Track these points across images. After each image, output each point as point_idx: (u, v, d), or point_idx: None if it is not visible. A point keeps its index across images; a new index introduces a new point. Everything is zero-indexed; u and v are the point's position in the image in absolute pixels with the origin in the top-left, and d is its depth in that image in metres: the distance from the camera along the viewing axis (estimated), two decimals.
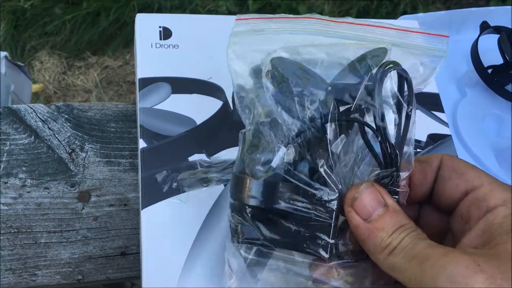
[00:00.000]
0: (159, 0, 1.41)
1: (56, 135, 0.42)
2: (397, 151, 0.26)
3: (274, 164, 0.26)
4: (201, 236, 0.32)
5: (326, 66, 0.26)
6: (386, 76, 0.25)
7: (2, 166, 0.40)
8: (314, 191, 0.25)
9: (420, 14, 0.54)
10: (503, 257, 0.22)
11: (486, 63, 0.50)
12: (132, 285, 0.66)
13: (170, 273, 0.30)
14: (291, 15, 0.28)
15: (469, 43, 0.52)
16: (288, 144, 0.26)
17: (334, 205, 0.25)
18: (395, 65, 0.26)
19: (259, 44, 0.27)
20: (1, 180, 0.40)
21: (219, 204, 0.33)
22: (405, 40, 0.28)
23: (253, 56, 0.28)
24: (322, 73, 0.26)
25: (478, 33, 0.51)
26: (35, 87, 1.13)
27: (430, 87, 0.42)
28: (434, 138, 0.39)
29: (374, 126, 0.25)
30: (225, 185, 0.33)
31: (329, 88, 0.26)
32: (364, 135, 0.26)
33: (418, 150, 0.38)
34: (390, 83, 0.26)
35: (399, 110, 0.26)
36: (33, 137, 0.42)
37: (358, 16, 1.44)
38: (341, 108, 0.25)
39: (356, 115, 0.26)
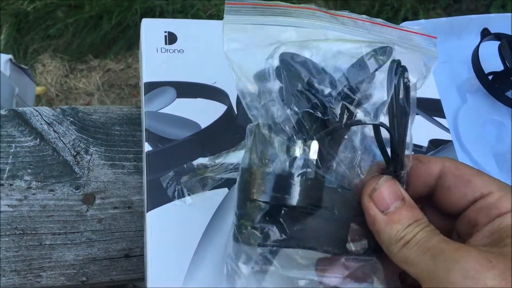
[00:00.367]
0: (161, 4, 1.42)
1: (61, 138, 0.43)
2: (403, 152, 0.26)
3: (300, 162, 0.25)
4: (206, 238, 0.32)
5: (332, 62, 0.26)
6: (399, 75, 0.26)
7: (7, 168, 0.41)
8: (338, 188, 0.25)
9: (422, 21, 0.55)
10: None
11: (486, 70, 0.51)
12: (134, 287, 0.66)
13: (175, 275, 0.31)
14: (287, 4, 0.27)
15: (469, 49, 0.52)
16: (310, 140, 0.25)
17: (353, 200, 0.26)
18: (404, 69, 0.26)
19: (260, 40, 0.27)
20: (7, 182, 0.40)
21: (223, 206, 0.33)
22: (406, 39, 0.28)
23: (255, 54, 0.27)
24: (329, 69, 0.26)
25: (479, 39, 0.52)
26: (38, 89, 1.14)
27: (432, 93, 0.43)
28: (436, 144, 0.39)
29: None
30: (229, 189, 0.34)
31: (340, 86, 0.26)
32: (379, 137, 0.26)
33: None
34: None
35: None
36: (38, 140, 0.42)
37: None
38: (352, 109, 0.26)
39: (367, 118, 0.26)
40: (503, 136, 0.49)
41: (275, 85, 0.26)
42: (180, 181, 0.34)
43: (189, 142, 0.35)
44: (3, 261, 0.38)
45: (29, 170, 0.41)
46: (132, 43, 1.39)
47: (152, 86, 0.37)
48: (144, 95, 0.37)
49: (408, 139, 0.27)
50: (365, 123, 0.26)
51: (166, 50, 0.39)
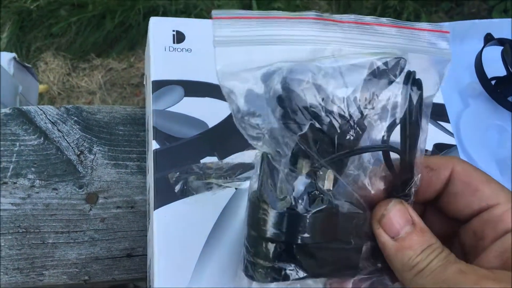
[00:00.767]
0: (164, 4, 1.42)
1: (65, 137, 0.43)
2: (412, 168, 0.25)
3: (315, 195, 0.24)
4: (212, 237, 0.32)
5: (340, 79, 0.25)
6: (413, 92, 0.24)
7: (11, 167, 0.41)
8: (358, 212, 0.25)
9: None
10: None
11: (489, 75, 0.51)
12: (135, 287, 0.66)
13: (181, 274, 0.31)
14: (284, 14, 0.25)
15: (472, 54, 0.53)
16: (323, 168, 0.24)
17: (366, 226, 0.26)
18: (419, 83, 0.25)
19: (255, 59, 0.24)
20: (11, 180, 0.40)
21: (230, 205, 0.33)
22: (414, 40, 0.26)
23: (248, 76, 0.24)
24: (338, 86, 0.24)
25: (481, 44, 0.52)
26: (40, 87, 1.14)
27: (436, 98, 0.43)
28: (440, 148, 0.40)
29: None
30: (236, 188, 0.34)
31: (350, 105, 0.24)
32: (389, 161, 0.25)
33: None
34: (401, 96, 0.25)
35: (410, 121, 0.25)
36: (42, 139, 0.42)
37: None
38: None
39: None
40: (505, 141, 0.49)
41: (276, 111, 0.24)
42: (188, 180, 0.34)
43: (196, 141, 0.35)
44: (6, 259, 0.38)
45: (32, 169, 0.41)
46: (134, 42, 1.40)
47: (160, 85, 0.37)
48: (152, 93, 0.37)
49: (418, 155, 0.25)
50: (374, 148, 0.25)
51: (174, 49, 0.39)
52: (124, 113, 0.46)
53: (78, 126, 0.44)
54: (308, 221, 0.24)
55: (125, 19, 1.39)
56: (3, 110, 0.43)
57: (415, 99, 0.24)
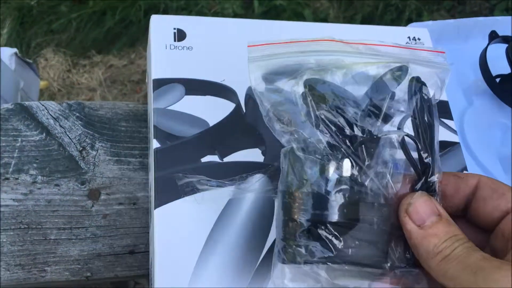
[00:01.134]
0: (165, 1, 1.42)
1: (67, 133, 0.43)
2: (430, 160, 0.27)
3: (335, 180, 0.26)
4: (213, 236, 0.32)
5: (353, 84, 0.28)
6: (418, 90, 0.28)
7: (13, 162, 0.41)
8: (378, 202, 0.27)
9: (429, 22, 0.55)
10: None
11: (493, 72, 0.51)
12: (135, 284, 0.66)
13: (181, 273, 0.31)
14: (305, 39, 0.30)
15: (476, 51, 0.52)
16: (342, 157, 0.26)
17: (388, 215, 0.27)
18: (422, 83, 0.28)
19: (281, 67, 0.29)
20: (12, 176, 0.40)
21: (231, 204, 0.33)
22: (418, 56, 0.30)
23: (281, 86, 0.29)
24: (350, 91, 0.28)
25: (486, 42, 0.52)
26: (40, 84, 1.14)
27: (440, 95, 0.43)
28: (444, 145, 0.39)
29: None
30: (237, 187, 0.34)
31: (364, 105, 0.27)
32: (405, 147, 0.27)
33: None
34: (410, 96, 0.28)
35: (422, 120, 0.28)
36: (44, 134, 0.42)
37: (363, 22, 1.44)
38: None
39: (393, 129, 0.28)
40: (509, 139, 0.49)
41: (303, 109, 0.28)
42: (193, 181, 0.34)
43: (197, 140, 0.35)
44: (8, 255, 0.38)
45: (34, 165, 0.41)
46: (135, 39, 1.39)
47: (160, 83, 0.37)
48: (153, 91, 0.36)
49: (436, 148, 0.28)
50: (390, 134, 0.27)
51: (175, 47, 0.38)
52: (126, 109, 0.45)
53: (80, 122, 0.43)
54: (330, 199, 0.26)
55: (125, 16, 1.39)
56: (4, 106, 0.43)
57: (420, 96, 0.28)
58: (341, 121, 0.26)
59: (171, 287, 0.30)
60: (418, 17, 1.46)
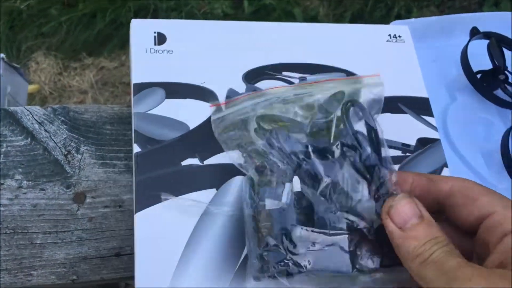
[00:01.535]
0: (155, 2, 1.42)
1: (52, 137, 0.43)
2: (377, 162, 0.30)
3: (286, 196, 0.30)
4: (194, 238, 0.32)
5: (299, 113, 0.33)
6: (350, 110, 0.32)
7: None
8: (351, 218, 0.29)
9: (412, 20, 0.55)
10: None
11: (475, 68, 0.51)
12: (126, 286, 0.66)
13: (162, 274, 0.31)
14: (261, 92, 0.36)
15: (459, 48, 0.53)
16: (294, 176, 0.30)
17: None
18: (355, 101, 0.33)
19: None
20: None
21: (210, 208, 0.33)
22: (355, 84, 0.36)
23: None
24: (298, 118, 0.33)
25: (468, 38, 0.52)
26: (31, 88, 1.14)
27: (420, 92, 0.43)
28: (424, 142, 0.40)
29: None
30: (217, 189, 0.34)
31: (310, 127, 0.32)
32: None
33: (407, 154, 0.39)
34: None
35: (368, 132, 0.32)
36: (29, 139, 0.42)
37: (352, 19, 1.45)
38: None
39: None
40: (491, 134, 0.49)
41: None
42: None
43: (177, 143, 0.35)
44: None
45: (20, 170, 0.41)
46: (125, 41, 1.39)
47: (141, 87, 0.37)
48: (133, 96, 0.37)
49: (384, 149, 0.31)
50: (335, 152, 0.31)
51: (155, 51, 0.39)
52: (111, 112, 0.46)
53: (65, 126, 0.43)
54: (287, 213, 0.29)
55: (115, 18, 1.39)
56: None
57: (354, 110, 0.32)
58: (292, 153, 0.31)
59: (151, 287, 0.31)
60: (407, 13, 1.47)
